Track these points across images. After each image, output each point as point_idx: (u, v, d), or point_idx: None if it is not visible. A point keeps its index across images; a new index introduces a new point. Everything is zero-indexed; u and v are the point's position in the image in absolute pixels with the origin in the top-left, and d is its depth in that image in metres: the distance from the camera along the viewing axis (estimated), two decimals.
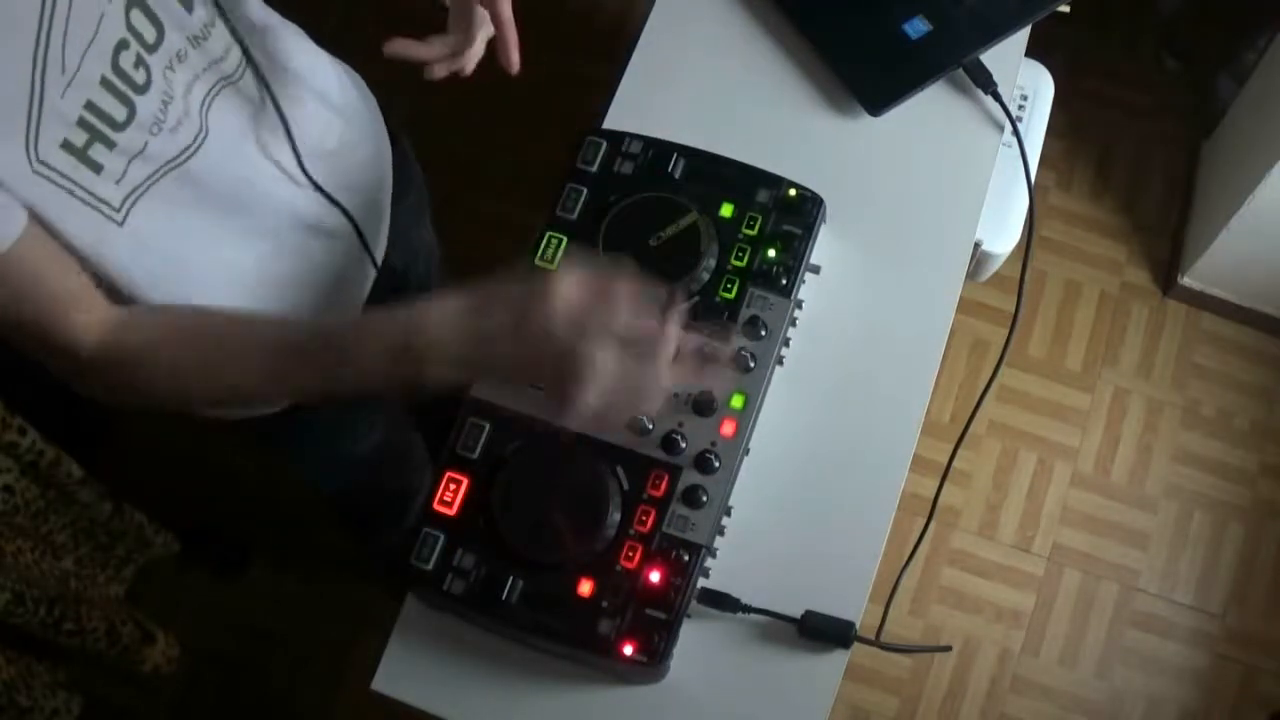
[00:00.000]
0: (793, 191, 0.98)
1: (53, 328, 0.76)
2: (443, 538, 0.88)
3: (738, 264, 0.95)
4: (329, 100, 0.98)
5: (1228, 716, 1.85)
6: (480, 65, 0.95)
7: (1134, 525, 1.94)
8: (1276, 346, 2.04)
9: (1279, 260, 1.89)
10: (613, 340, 0.69)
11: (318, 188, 0.95)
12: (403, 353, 0.74)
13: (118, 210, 0.77)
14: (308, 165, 0.92)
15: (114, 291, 0.82)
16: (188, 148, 0.80)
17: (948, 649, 1.08)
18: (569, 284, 0.70)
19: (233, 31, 0.83)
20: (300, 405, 1.07)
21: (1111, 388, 2.02)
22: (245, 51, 0.85)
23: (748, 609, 0.92)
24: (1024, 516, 1.94)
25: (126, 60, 0.73)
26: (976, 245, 1.48)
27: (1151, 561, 1.92)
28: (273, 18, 0.93)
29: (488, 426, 0.90)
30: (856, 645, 0.92)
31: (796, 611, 0.92)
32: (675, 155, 0.98)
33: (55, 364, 0.79)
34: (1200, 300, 2.05)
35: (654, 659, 0.85)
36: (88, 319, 0.77)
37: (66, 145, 0.71)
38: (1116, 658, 1.87)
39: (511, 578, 0.86)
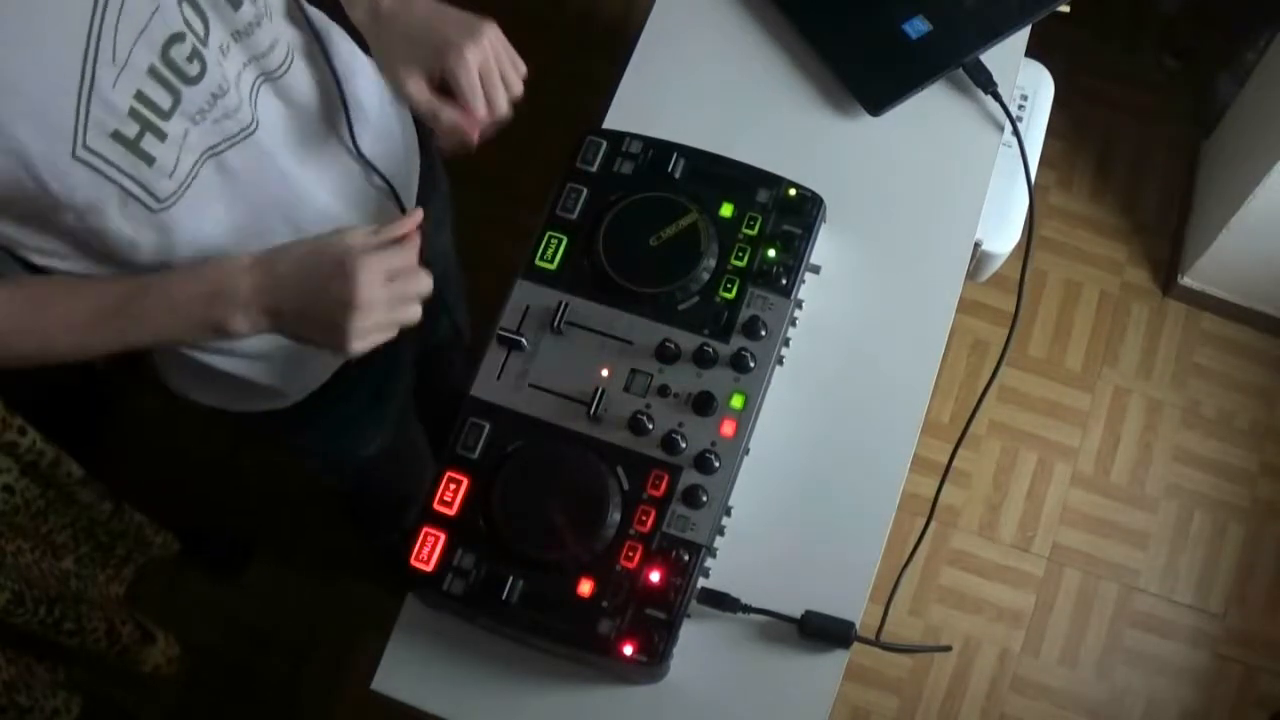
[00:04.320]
0: (793, 191, 0.98)
1: None
2: (443, 538, 0.88)
3: (738, 264, 0.95)
4: (371, 95, 0.99)
5: (1228, 716, 1.85)
6: None
7: (1134, 525, 1.94)
8: (1276, 346, 2.04)
9: (1279, 260, 1.89)
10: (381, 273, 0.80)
11: (367, 163, 0.96)
12: (210, 297, 0.80)
13: (162, 202, 0.78)
14: (360, 142, 0.94)
15: (104, 255, 0.82)
16: (233, 136, 0.81)
17: (948, 649, 1.08)
18: (359, 231, 0.82)
19: (295, 23, 0.84)
20: (306, 405, 1.07)
21: (1111, 388, 2.02)
22: (317, 40, 0.86)
23: (748, 609, 0.92)
24: (1024, 516, 1.94)
25: (179, 52, 0.73)
26: (976, 245, 1.48)
27: (1151, 561, 1.92)
28: (317, 12, 0.94)
29: (488, 426, 0.90)
30: (856, 645, 0.92)
31: (796, 611, 0.92)
32: (675, 155, 0.98)
33: None
34: (1200, 300, 2.05)
35: (654, 659, 0.85)
36: None
37: (117, 136, 0.72)
38: (1116, 658, 1.87)
39: (511, 578, 0.86)
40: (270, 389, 1.04)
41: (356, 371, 1.09)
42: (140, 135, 0.73)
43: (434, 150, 1.14)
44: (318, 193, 0.92)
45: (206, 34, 0.76)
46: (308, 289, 0.80)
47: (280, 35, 0.84)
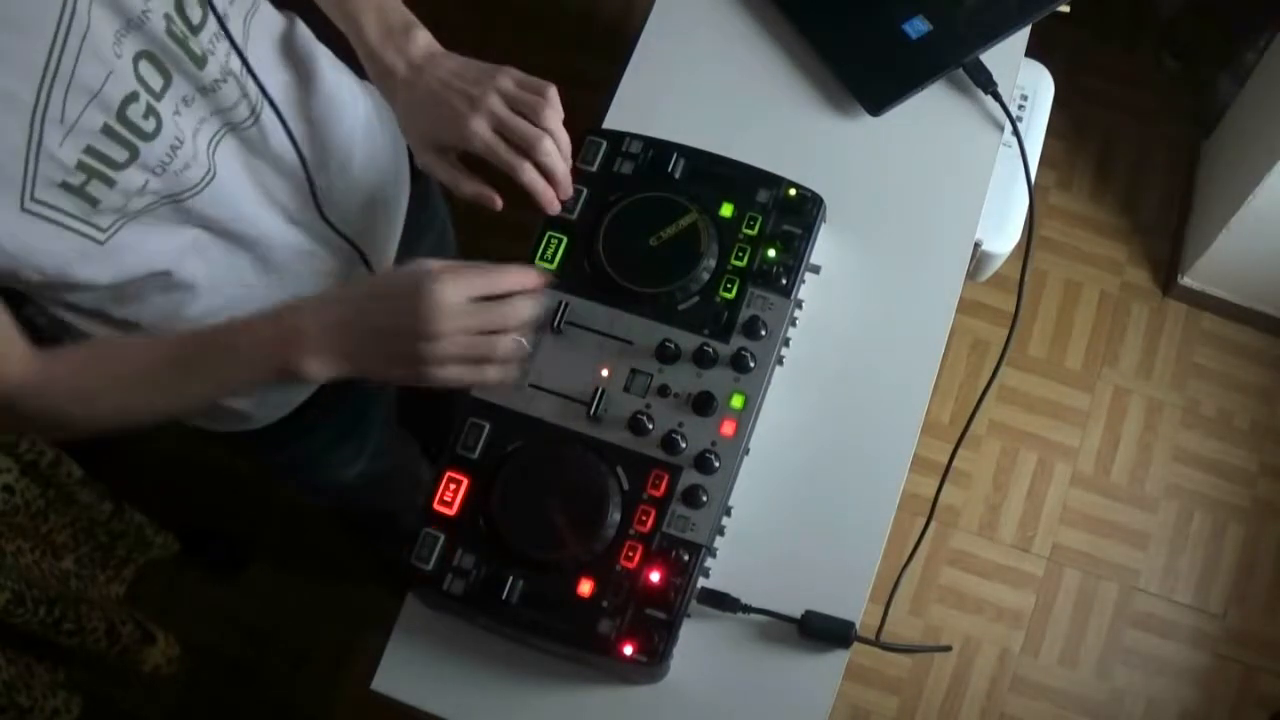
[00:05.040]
0: (793, 191, 0.98)
1: None
2: (443, 538, 0.88)
3: (738, 264, 0.95)
4: (353, 139, 0.98)
5: (1228, 716, 1.85)
6: (473, 55, 0.94)
7: (1134, 525, 1.94)
8: (1276, 346, 2.04)
9: (1279, 260, 1.89)
10: (467, 320, 0.76)
11: (329, 225, 0.95)
12: (277, 339, 0.77)
13: (103, 231, 0.77)
14: (324, 208, 0.93)
15: (72, 299, 0.82)
16: (193, 187, 0.80)
17: (948, 649, 1.08)
18: (447, 275, 0.76)
19: (255, 80, 0.82)
20: (278, 429, 1.07)
21: (1111, 388, 2.02)
22: (269, 99, 0.84)
23: (748, 609, 0.92)
24: (1024, 516, 1.94)
25: (135, 111, 0.73)
26: (976, 245, 1.48)
27: (1151, 561, 1.92)
28: (311, 46, 0.93)
29: (488, 426, 0.90)
30: (856, 645, 0.92)
31: (796, 611, 0.92)
32: (675, 155, 0.98)
33: None
34: (1200, 300, 2.05)
35: (654, 659, 0.85)
36: (9, 353, 0.76)
37: (64, 185, 0.71)
38: (1116, 658, 1.87)
39: (511, 578, 0.86)
40: (237, 412, 1.03)
41: (330, 398, 1.08)
42: (86, 182, 0.72)
43: (433, 183, 1.13)
44: (286, 230, 0.92)
45: (164, 89, 0.75)
46: (378, 317, 0.76)
47: (249, 89, 0.83)
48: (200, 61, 0.77)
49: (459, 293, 0.75)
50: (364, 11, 0.88)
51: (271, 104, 0.85)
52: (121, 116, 0.72)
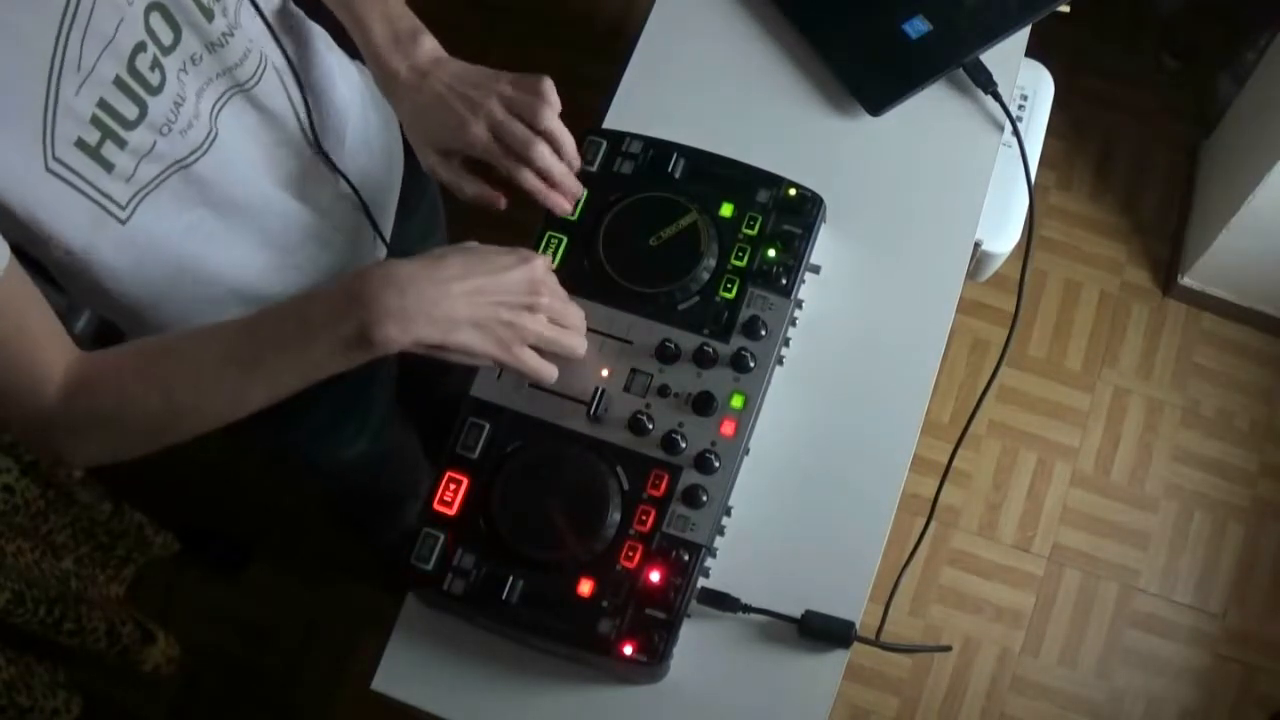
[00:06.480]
0: (793, 191, 0.98)
1: (21, 367, 0.74)
2: (443, 538, 0.88)
3: (738, 264, 0.95)
4: (351, 107, 0.98)
5: (1228, 716, 1.85)
6: (475, 56, 0.95)
7: (1134, 525, 1.94)
8: (1276, 346, 2.04)
9: (1279, 260, 1.89)
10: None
11: (339, 175, 0.95)
12: (349, 302, 0.74)
13: (123, 208, 0.77)
14: (334, 157, 0.93)
15: (99, 295, 0.82)
16: (196, 149, 0.80)
17: (948, 649, 1.08)
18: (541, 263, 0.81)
19: (271, 30, 0.83)
20: (283, 409, 1.07)
21: (1111, 388, 2.02)
22: (284, 54, 0.85)
23: (748, 609, 0.92)
24: (1024, 516, 1.94)
25: (143, 62, 0.73)
26: (976, 245, 1.48)
27: (1151, 561, 1.92)
28: (305, 21, 0.94)
29: (488, 426, 0.90)
30: (856, 645, 0.92)
31: (796, 611, 0.92)
32: (675, 155, 0.98)
33: (17, 411, 0.76)
34: (1200, 300, 2.05)
35: (654, 659, 0.85)
36: (53, 358, 0.75)
37: (80, 144, 0.71)
38: (1116, 658, 1.87)
39: (511, 578, 0.86)
40: None
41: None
42: (101, 142, 0.72)
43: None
44: (287, 201, 0.92)
45: (175, 41, 0.75)
46: (478, 276, 0.76)
47: (253, 46, 0.83)
48: (208, 14, 0.77)
49: (554, 278, 0.79)
50: (371, 15, 0.89)
51: (277, 57, 0.85)
52: (131, 68, 0.72)
